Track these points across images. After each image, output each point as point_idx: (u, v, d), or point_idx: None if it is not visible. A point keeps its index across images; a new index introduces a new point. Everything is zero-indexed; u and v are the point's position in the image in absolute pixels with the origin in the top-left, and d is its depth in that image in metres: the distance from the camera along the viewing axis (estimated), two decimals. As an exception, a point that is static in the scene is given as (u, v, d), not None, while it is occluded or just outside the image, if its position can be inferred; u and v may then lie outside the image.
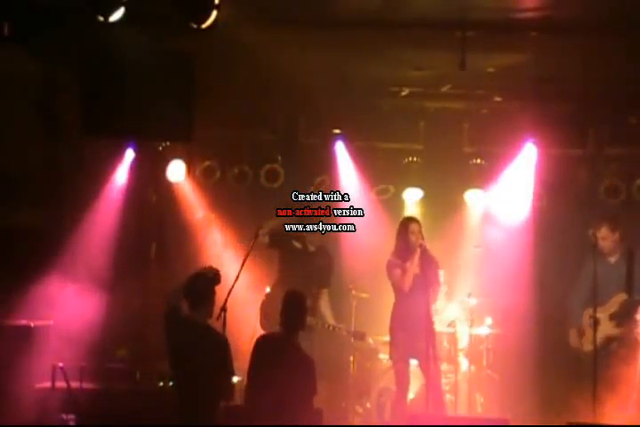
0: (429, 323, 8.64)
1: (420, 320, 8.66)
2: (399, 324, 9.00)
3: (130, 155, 10.76)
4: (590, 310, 9.13)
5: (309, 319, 9.17)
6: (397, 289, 9.05)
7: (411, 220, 9.25)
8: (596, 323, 9.02)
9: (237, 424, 7.34)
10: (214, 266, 7.67)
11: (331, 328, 9.56)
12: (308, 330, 9.25)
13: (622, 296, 9.06)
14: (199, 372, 7.25)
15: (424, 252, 8.91)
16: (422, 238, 8.97)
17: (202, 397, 7.23)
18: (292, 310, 7.56)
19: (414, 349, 8.80)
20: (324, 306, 9.68)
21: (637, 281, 9.11)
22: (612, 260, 9.16)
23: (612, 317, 9.12)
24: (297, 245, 9.80)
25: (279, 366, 7.32)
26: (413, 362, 9.03)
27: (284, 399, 7.19)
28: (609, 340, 9.12)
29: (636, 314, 9.06)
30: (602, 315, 9.11)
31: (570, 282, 9.60)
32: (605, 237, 9.16)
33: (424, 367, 8.78)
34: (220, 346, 7.33)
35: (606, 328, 9.13)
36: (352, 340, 9.82)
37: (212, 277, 7.56)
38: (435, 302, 9.13)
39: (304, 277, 9.52)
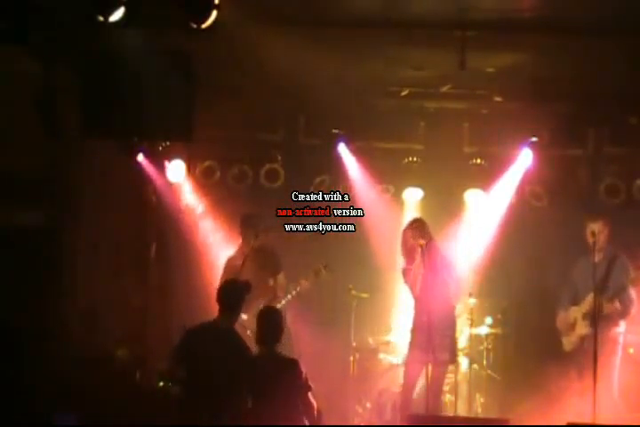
0: (443, 326, 8.61)
1: (437, 322, 8.57)
2: (416, 326, 8.91)
3: (130, 155, 10.75)
4: (568, 311, 9.35)
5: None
6: (411, 294, 9.01)
7: (406, 226, 9.15)
8: (573, 323, 9.27)
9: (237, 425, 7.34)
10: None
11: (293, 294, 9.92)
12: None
13: (592, 297, 9.05)
14: (215, 374, 7.29)
15: (425, 251, 8.80)
16: (423, 237, 8.86)
17: (215, 399, 7.29)
18: (267, 327, 7.53)
19: (428, 354, 8.69)
20: (283, 287, 10.06)
21: (612, 283, 9.14)
22: (597, 259, 9.10)
23: (584, 317, 9.18)
24: (238, 262, 9.96)
25: (269, 385, 7.30)
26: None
27: (281, 411, 7.20)
28: (582, 339, 9.21)
29: (611, 314, 9.09)
30: (577, 315, 9.26)
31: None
32: (601, 230, 9.19)
33: (431, 370, 8.74)
34: (240, 351, 7.38)
35: (580, 328, 9.24)
36: (319, 274, 9.97)
37: (244, 286, 7.81)
38: (457, 300, 9.03)
39: (255, 279, 9.72)
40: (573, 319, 9.33)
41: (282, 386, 7.26)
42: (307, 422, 7.31)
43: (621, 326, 9.25)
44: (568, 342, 9.41)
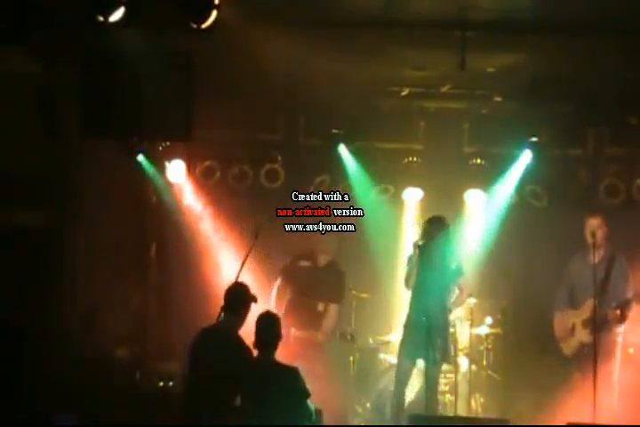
0: (438, 327, 8.62)
1: (429, 324, 8.57)
2: (410, 323, 8.91)
3: (130, 155, 10.76)
4: (566, 314, 9.33)
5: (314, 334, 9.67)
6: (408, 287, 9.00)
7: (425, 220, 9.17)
8: (572, 328, 9.25)
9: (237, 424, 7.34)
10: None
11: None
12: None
13: (592, 302, 8.98)
14: (216, 375, 7.30)
15: (423, 251, 8.72)
16: (421, 238, 8.83)
17: (215, 399, 7.29)
18: (264, 332, 7.50)
19: (419, 351, 8.71)
20: (330, 320, 9.89)
21: (612, 287, 9.11)
22: (596, 260, 9.04)
23: (585, 323, 9.14)
24: (305, 263, 9.89)
25: (266, 392, 7.29)
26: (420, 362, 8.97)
27: (280, 417, 7.19)
28: (582, 346, 9.18)
29: (611, 321, 9.06)
30: (577, 320, 9.24)
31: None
32: (600, 225, 9.16)
33: (425, 369, 8.77)
34: (242, 353, 7.40)
35: (580, 335, 9.21)
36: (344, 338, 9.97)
37: (252, 295, 7.74)
38: (457, 304, 9.05)
39: (311, 292, 9.64)
40: (572, 324, 9.30)
41: (280, 393, 7.23)
42: None
43: (621, 327, 9.23)
44: (567, 347, 9.36)
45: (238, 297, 7.68)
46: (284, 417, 7.13)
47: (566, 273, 9.54)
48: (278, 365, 7.42)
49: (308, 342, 9.80)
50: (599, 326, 8.88)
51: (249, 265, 8.72)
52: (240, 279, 8.25)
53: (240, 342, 7.53)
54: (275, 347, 7.47)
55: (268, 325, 7.51)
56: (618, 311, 9.03)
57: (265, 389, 7.25)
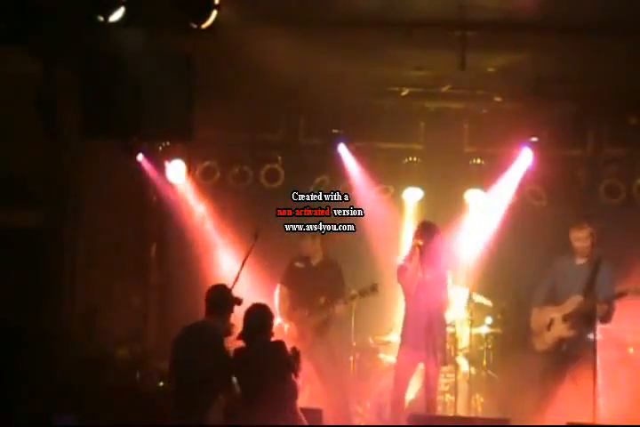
0: (438, 327, 8.62)
1: (428, 324, 8.59)
2: (410, 326, 8.92)
3: (130, 155, 10.75)
4: (544, 310, 9.17)
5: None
6: (404, 293, 9.00)
7: (418, 223, 9.20)
8: (550, 323, 9.07)
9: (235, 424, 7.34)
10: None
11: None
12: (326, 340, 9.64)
13: (578, 298, 8.89)
14: (199, 370, 7.32)
15: (423, 253, 8.74)
16: (421, 238, 8.83)
17: (200, 393, 7.30)
18: (249, 323, 7.48)
19: (420, 353, 8.72)
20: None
21: (598, 286, 8.96)
22: (581, 261, 9.02)
23: (565, 318, 9.02)
24: (299, 264, 9.87)
25: (248, 381, 7.31)
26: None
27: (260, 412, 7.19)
28: (560, 341, 9.05)
29: (594, 317, 8.93)
30: (556, 315, 9.08)
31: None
32: (587, 237, 9.08)
33: (426, 370, 8.77)
34: (221, 353, 7.41)
35: (559, 329, 9.08)
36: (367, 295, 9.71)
37: (235, 296, 7.69)
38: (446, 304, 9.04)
39: (311, 290, 9.61)
40: (550, 320, 9.14)
41: (266, 371, 7.24)
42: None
43: (598, 334, 9.05)
44: (541, 343, 9.14)
45: (216, 297, 7.64)
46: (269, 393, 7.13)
47: (550, 271, 9.40)
48: (263, 346, 7.40)
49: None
50: (582, 320, 8.79)
51: (248, 265, 8.71)
52: (240, 280, 8.25)
53: (221, 341, 7.49)
54: (256, 337, 7.42)
55: (250, 317, 7.47)
56: (605, 306, 8.87)
57: (251, 374, 7.25)
